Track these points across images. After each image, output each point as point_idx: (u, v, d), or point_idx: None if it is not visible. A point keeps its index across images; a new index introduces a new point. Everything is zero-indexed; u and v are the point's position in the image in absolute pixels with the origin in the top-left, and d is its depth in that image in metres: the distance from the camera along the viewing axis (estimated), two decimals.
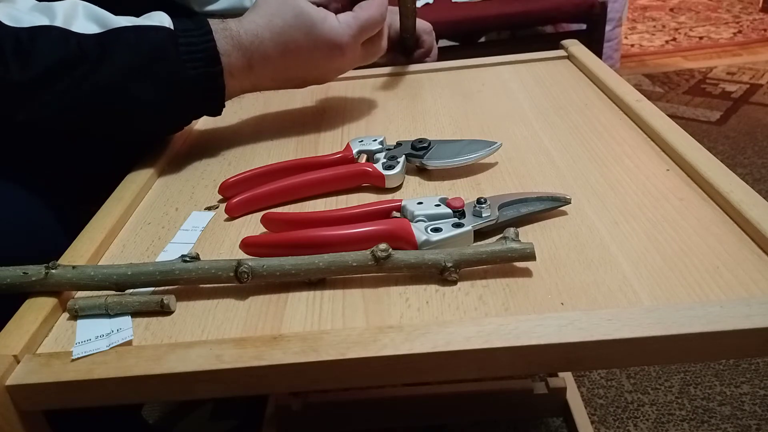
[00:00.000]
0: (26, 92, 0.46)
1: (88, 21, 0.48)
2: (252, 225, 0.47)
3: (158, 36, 0.49)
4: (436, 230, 0.40)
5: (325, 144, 0.60)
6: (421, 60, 0.79)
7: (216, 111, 0.56)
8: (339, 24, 0.55)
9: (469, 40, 1.68)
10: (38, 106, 0.47)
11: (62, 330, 0.38)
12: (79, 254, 0.43)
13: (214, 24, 0.52)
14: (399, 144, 0.53)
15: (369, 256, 0.38)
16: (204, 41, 0.51)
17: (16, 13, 0.47)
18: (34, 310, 0.38)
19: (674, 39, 2.72)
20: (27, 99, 0.47)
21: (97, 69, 0.48)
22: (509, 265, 0.39)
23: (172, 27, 0.50)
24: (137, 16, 0.52)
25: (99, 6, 0.50)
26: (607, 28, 1.81)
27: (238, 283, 0.38)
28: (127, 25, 0.49)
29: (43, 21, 0.47)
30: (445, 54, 0.81)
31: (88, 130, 0.52)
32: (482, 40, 1.78)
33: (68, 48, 0.47)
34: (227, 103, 0.56)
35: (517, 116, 0.61)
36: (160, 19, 0.51)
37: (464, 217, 0.42)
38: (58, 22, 0.47)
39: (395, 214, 0.44)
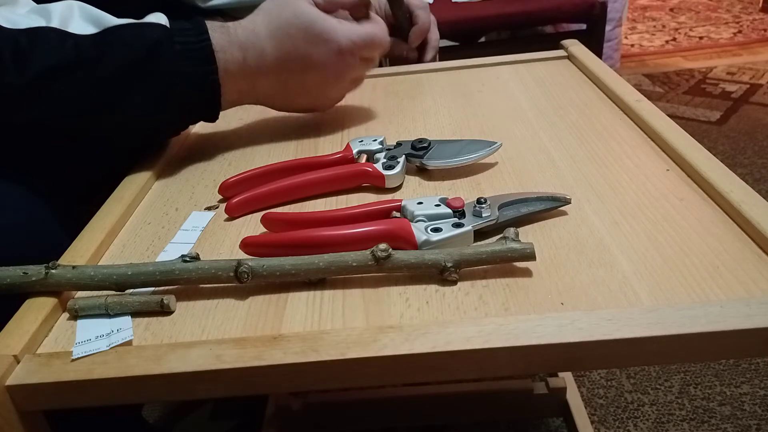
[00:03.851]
0: (24, 95, 0.46)
1: (84, 22, 0.49)
2: (252, 225, 0.47)
3: (154, 32, 0.50)
4: (436, 230, 0.40)
5: (325, 144, 0.60)
6: (418, 39, 0.75)
7: (212, 110, 0.55)
8: (340, 26, 0.55)
9: (469, 40, 1.68)
10: (36, 108, 0.47)
11: (62, 330, 0.38)
12: (79, 254, 0.43)
13: (211, 24, 0.52)
14: (399, 144, 0.53)
15: (369, 256, 0.38)
16: (200, 39, 0.51)
17: (14, 16, 0.47)
18: (34, 310, 0.38)
19: (674, 39, 2.72)
20: (25, 101, 0.47)
21: (94, 68, 0.48)
22: (509, 265, 0.39)
23: (168, 25, 0.51)
24: (139, 14, 0.52)
25: (101, 6, 0.50)
26: (607, 28, 1.81)
27: (238, 283, 0.38)
28: (123, 23, 0.50)
29: (40, 23, 0.47)
30: (445, 54, 0.81)
31: (87, 131, 0.52)
32: (482, 40, 1.78)
33: (65, 50, 0.47)
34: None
35: (517, 116, 0.61)
36: (156, 18, 0.51)
37: (464, 217, 0.42)
38: (54, 24, 0.47)
39: (395, 214, 0.44)
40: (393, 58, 0.79)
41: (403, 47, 0.76)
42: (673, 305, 0.34)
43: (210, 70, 0.51)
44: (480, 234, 0.42)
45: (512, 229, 0.39)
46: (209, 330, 0.36)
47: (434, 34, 0.78)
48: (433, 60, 0.78)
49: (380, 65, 0.79)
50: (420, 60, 0.78)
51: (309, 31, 0.53)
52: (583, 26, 1.60)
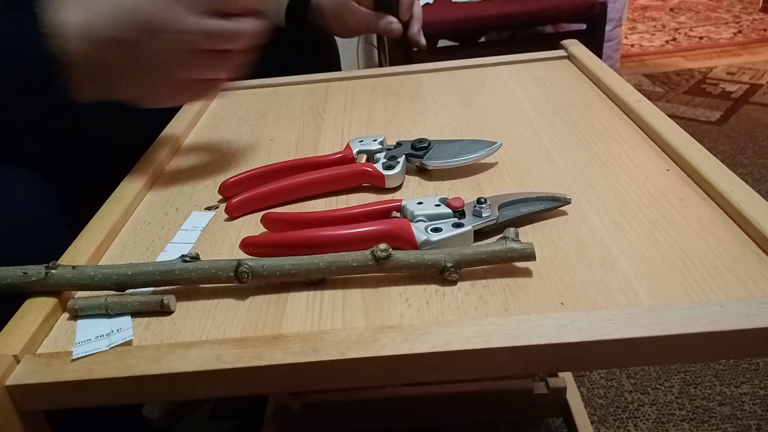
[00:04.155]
0: None
1: None
2: (252, 225, 0.47)
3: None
4: (436, 230, 0.40)
5: (325, 144, 0.60)
6: (409, 11, 0.76)
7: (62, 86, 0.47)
8: None
9: (469, 40, 1.68)
10: None
11: (62, 330, 0.38)
12: (79, 254, 0.43)
13: None
14: (399, 144, 0.53)
15: (369, 256, 0.38)
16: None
17: None
18: (34, 310, 0.38)
19: (674, 39, 2.72)
20: None
21: None
22: (509, 265, 0.39)
23: None
24: None
25: None
26: (607, 28, 1.82)
27: (238, 283, 0.38)
28: None
29: None
30: (445, 54, 0.81)
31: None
32: (482, 40, 1.78)
33: None
34: (226, 104, 0.55)
35: (517, 116, 0.61)
36: None
37: (464, 217, 0.42)
38: None
39: (395, 214, 0.44)
40: (379, 33, 0.81)
41: (386, 21, 0.77)
42: (673, 305, 0.34)
43: (47, 33, 0.44)
44: (480, 234, 0.42)
45: (512, 229, 0.39)
46: (209, 330, 0.36)
47: (417, 6, 0.80)
48: (419, 33, 0.80)
49: (379, 54, 0.80)
50: (406, 32, 0.79)
51: None
52: (583, 26, 1.60)
